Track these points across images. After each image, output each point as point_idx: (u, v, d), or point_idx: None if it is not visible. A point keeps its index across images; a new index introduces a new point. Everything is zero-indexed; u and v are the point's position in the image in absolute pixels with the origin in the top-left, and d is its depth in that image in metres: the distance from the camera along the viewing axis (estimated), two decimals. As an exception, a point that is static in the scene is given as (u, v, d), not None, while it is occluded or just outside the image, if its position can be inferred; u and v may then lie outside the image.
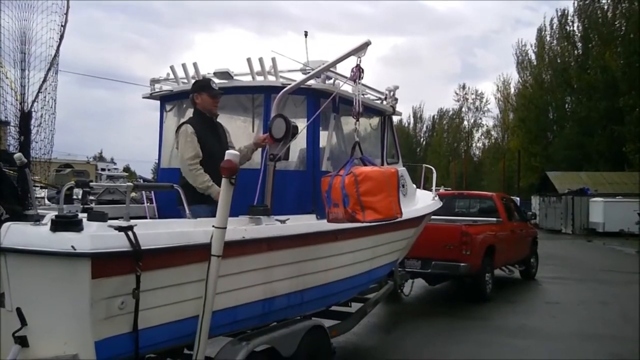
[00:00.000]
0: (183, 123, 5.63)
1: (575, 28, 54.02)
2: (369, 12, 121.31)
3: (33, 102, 4.54)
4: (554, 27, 56.03)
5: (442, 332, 9.14)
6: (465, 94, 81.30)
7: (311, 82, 5.80)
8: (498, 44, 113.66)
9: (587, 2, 51.62)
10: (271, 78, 6.04)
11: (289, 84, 5.76)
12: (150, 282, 3.67)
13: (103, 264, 3.42)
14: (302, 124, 5.82)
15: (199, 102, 5.60)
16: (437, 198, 8.99)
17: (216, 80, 5.94)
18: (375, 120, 7.50)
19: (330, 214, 4.90)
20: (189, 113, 6.72)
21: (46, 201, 6.63)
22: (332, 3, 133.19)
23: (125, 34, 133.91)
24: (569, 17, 54.26)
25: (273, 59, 5.97)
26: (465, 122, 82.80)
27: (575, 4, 52.84)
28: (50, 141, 4.77)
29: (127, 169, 75.26)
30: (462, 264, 10.95)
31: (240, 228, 4.53)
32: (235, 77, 6.30)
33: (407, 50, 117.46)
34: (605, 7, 50.23)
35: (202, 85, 5.62)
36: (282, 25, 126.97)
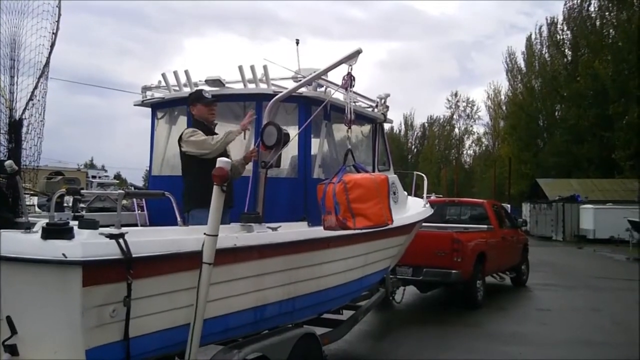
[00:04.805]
0: (184, 130, 5.68)
1: (564, 36, 54.54)
2: (362, 17, 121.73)
3: (24, 109, 4.52)
4: (543, 35, 56.56)
5: (433, 339, 9.14)
6: (457, 101, 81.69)
7: (303, 89, 5.82)
8: (493, 49, 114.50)
9: (576, 9, 52.07)
10: (263, 86, 6.06)
11: (281, 92, 5.78)
12: (141, 290, 3.65)
13: (94, 271, 3.41)
14: (293, 132, 5.84)
15: (196, 113, 5.67)
16: (428, 205, 9.00)
17: (207, 88, 5.96)
18: (366, 128, 7.53)
19: (325, 221, 4.92)
20: (181, 120, 6.74)
21: (37, 209, 6.61)
22: (324, 8, 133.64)
23: (114, 39, 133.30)
24: (559, 26, 54.81)
25: (265, 67, 6.00)
26: (457, 130, 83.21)
27: (565, 12, 53.39)
28: (38, 148, 4.74)
29: (118, 177, 75.00)
30: (454, 271, 10.96)
31: (232, 235, 4.53)
32: (227, 85, 6.32)
33: (401, 56, 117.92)
34: (594, 15, 50.71)
35: (196, 96, 5.68)
36: (274, 30, 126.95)
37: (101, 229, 3.57)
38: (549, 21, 55.95)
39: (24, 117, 4.55)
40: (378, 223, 4.84)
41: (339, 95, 6.00)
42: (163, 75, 6.70)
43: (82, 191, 5.56)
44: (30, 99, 4.53)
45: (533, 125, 55.72)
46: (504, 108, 66.59)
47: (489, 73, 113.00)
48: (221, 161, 3.99)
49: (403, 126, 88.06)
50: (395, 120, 67.26)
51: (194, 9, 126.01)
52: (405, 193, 8.30)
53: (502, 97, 68.01)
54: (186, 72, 6.51)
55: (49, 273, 3.41)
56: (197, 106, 5.63)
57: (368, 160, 7.40)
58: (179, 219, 4.87)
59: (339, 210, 4.73)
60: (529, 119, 55.30)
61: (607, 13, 48.82)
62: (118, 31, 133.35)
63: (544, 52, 57.01)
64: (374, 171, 7.17)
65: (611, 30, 47.70)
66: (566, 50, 54.59)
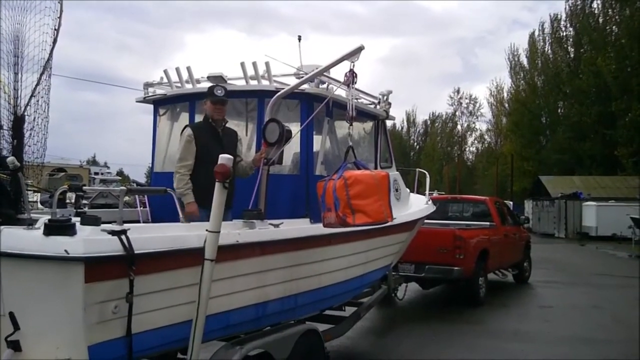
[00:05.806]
0: (186, 126, 5.71)
1: (567, 33, 54.45)
2: (363, 12, 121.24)
3: (26, 105, 4.52)
4: (546, 31, 56.45)
5: (435, 336, 9.14)
6: (460, 98, 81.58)
7: (305, 86, 5.81)
8: (496, 45, 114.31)
9: (579, 6, 51.97)
10: (265, 82, 6.05)
11: (283, 89, 5.77)
12: (143, 287, 3.66)
13: (96, 268, 3.41)
14: (295, 128, 5.83)
15: (205, 108, 5.72)
16: (430, 202, 9.00)
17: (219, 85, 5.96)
18: (368, 125, 7.52)
19: (325, 218, 4.92)
20: (183, 117, 6.75)
21: (39, 205, 6.60)
22: (325, 3, 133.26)
23: (113, 35, 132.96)
24: (562, 22, 54.70)
25: (267, 63, 5.98)
26: (459, 127, 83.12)
27: (567, 9, 53.29)
28: (43, 145, 4.74)
29: (120, 173, 74.91)
30: (456, 268, 10.95)
31: (234, 232, 4.53)
32: (229, 81, 6.31)
33: (403, 52, 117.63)
34: (597, 11, 50.59)
35: (207, 92, 5.68)
36: (274, 26, 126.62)
37: (103, 226, 3.58)
38: (552, 18, 55.92)
39: (26, 113, 4.55)
40: (377, 220, 4.84)
41: (341, 92, 6.00)
42: (165, 71, 6.70)
43: (84, 188, 5.58)
44: (32, 95, 4.53)
45: (535, 122, 55.59)
46: (506, 105, 66.45)
47: (492, 69, 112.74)
48: (223, 158, 3.98)
49: (405, 123, 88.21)
50: (397, 117, 67.14)
51: (193, 5, 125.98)
52: (408, 190, 8.30)
53: (505, 94, 67.91)
54: (188, 68, 6.51)
55: (51, 269, 3.42)
56: (207, 103, 5.66)
57: (370, 157, 7.39)
58: (180, 215, 4.87)
59: (338, 206, 4.73)
60: (532, 116, 55.19)
61: (610, 10, 48.69)
62: (117, 27, 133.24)
63: (546, 49, 56.93)
64: (376, 168, 7.17)
65: (614, 27, 47.55)
66: (569, 47, 54.44)
